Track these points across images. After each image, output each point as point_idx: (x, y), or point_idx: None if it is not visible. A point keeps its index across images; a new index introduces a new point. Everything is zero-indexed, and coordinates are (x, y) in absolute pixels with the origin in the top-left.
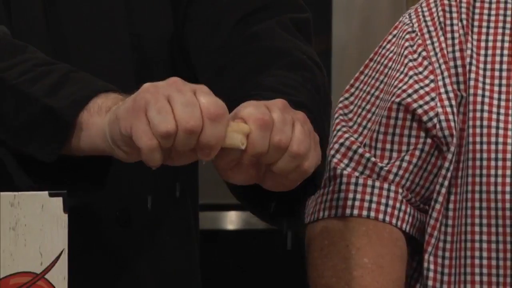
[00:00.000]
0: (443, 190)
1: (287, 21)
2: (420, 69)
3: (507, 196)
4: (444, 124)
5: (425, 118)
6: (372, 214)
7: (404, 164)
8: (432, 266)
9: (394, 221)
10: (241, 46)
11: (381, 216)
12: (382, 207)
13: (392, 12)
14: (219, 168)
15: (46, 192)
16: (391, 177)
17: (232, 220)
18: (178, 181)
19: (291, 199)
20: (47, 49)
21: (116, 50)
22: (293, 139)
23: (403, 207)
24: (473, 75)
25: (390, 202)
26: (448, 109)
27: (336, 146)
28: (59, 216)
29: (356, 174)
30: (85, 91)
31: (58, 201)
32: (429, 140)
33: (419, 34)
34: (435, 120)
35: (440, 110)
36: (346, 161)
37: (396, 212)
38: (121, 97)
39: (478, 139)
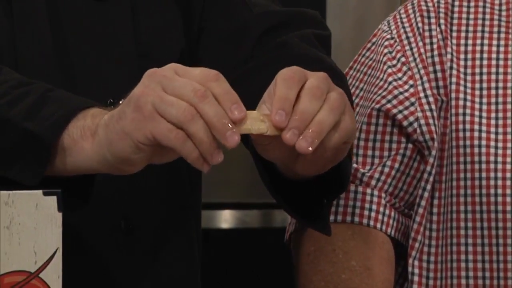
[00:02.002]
0: (426, 194)
1: (310, 35)
2: (399, 75)
3: (492, 199)
4: (424, 128)
5: (405, 123)
6: (356, 219)
7: (386, 170)
8: (416, 270)
9: (378, 225)
10: (269, 53)
11: (365, 220)
12: (365, 212)
13: (386, 12)
14: (256, 142)
15: (41, 191)
16: (373, 182)
17: (226, 219)
18: (180, 191)
19: (318, 201)
20: (52, 61)
21: (121, 60)
22: (329, 95)
23: (387, 212)
24: (454, 79)
25: (374, 207)
26: (428, 113)
27: None
28: (53, 215)
29: None
30: (63, 111)
31: (52, 200)
32: (410, 145)
33: (397, 40)
34: (415, 124)
35: (420, 114)
36: None
37: (380, 217)
38: (100, 111)
39: (461, 142)
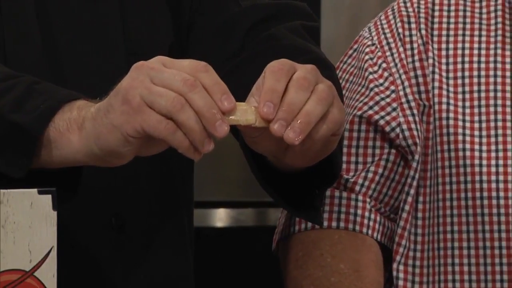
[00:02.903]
0: (409, 199)
1: (298, 27)
2: (381, 80)
3: (477, 202)
4: (406, 133)
5: (387, 128)
6: (342, 224)
7: (370, 175)
8: (401, 275)
9: (364, 230)
10: (258, 46)
11: (350, 225)
12: (351, 217)
13: (380, 10)
14: (246, 135)
15: (35, 190)
16: (357, 188)
17: (220, 217)
18: (172, 188)
19: (310, 192)
20: (41, 57)
21: (111, 57)
22: (316, 87)
23: (372, 216)
24: (437, 84)
25: (359, 212)
26: (410, 118)
27: None
28: (48, 214)
29: None
30: (49, 103)
31: (47, 199)
32: (393, 150)
33: (378, 46)
34: (397, 130)
35: (402, 119)
36: None
37: (365, 221)
38: (86, 103)
39: (445, 147)
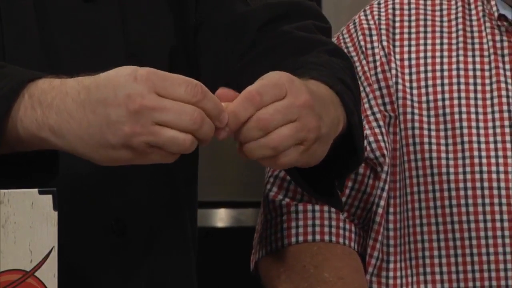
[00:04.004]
0: (380, 210)
1: (310, 26)
2: None
3: (447, 210)
4: (374, 145)
5: None
6: (318, 237)
7: None
8: (375, 286)
9: (341, 240)
10: (272, 40)
11: (327, 237)
12: (326, 229)
13: None
14: None
15: (36, 190)
16: None
17: (221, 217)
18: (174, 191)
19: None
20: (40, 58)
21: (110, 58)
22: (278, 130)
23: (347, 226)
24: (400, 94)
25: (333, 223)
26: (377, 130)
27: (271, 179)
28: (48, 214)
29: (295, 202)
30: (12, 84)
31: (48, 199)
32: (362, 163)
33: None
34: (364, 142)
35: (368, 132)
36: (283, 192)
37: (341, 232)
38: (45, 92)
39: (412, 156)
